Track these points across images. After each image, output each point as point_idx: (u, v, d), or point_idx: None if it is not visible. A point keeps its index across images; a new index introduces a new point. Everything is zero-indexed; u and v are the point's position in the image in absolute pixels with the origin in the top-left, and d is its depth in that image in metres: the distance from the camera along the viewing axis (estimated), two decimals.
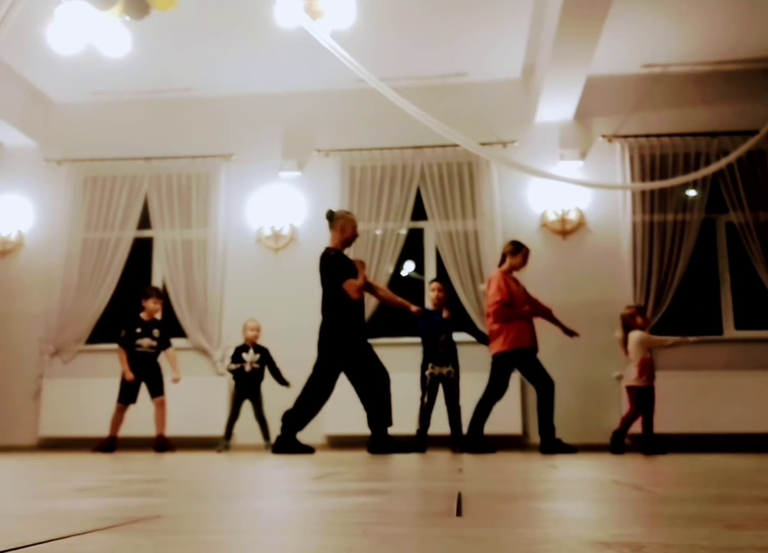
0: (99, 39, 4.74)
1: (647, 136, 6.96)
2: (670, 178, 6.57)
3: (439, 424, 5.70)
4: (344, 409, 5.74)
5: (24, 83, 7.35)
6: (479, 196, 7.00)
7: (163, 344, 6.38)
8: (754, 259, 6.69)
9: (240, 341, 6.43)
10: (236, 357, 6.33)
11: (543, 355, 5.50)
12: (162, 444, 6.15)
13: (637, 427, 5.52)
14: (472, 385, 5.73)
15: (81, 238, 7.37)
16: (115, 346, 6.35)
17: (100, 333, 7.21)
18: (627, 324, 5.69)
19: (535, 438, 5.74)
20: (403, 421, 5.46)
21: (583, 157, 7.06)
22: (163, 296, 6.65)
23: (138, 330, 6.30)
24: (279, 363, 6.34)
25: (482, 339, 5.86)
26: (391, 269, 7.01)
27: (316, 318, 5.15)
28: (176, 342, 6.66)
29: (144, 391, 6.24)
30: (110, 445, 6.10)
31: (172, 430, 6.32)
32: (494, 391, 5.42)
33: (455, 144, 6.34)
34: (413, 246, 7.24)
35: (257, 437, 6.25)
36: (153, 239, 7.43)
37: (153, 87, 7.46)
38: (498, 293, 5.45)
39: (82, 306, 7.18)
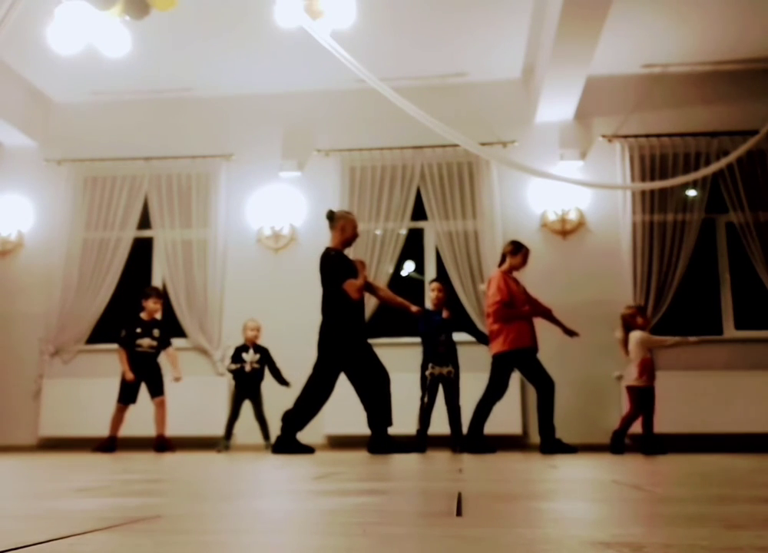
0: (99, 39, 4.74)
1: (647, 136, 6.96)
2: (670, 178, 6.57)
3: (439, 424, 5.70)
4: (344, 409, 5.74)
5: (24, 83, 7.35)
6: (479, 196, 7.00)
7: (164, 344, 6.38)
8: (754, 259, 6.69)
9: (239, 341, 6.43)
10: (236, 357, 6.33)
11: (543, 355, 5.51)
12: (162, 444, 6.16)
13: (637, 427, 5.52)
14: (472, 385, 5.73)
15: (81, 238, 7.37)
16: (115, 346, 6.35)
17: (100, 333, 7.21)
18: (628, 324, 5.69)
19: (535, 438, 5.74)
20: (403, 421, 5.46)
21: (583, 157, 7.06)
22: (163, 296, 6.64)
23: (138, 330, 6.30)
24: (279, 363, 6.34)
25: (482, 339, 5.86)
26: (391, 269, 7.01)
27: (316, 318, 5.15)
28: (176, 342, 6.67)
29: (143, 391, 6.24)
30: (110, 445, 6.10)
31: (172, 430, 6.32)
32: (495, 391, 5.42)
33: (455, 144, 6.34)
34: (413, 246, 7.24)
35: (257, 437, 6.25)
36: (153, 239, 7.43)
37: (153, 87, 7.46)
38: (498, 293, 5.45)
39: (82, 306, 7.18)
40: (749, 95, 6.98)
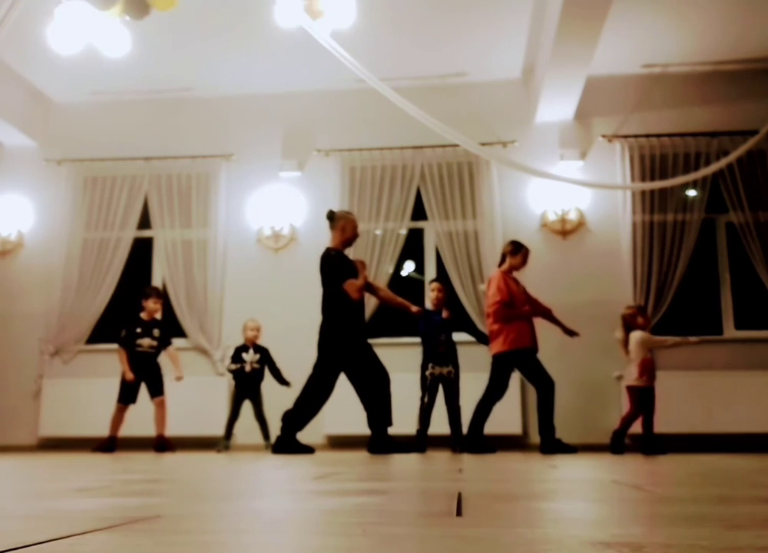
0: (99, 39, 4.74)
1: (647, 136, 6.96)
2: (670, 178, 6.57)
3: (439, 424, 5.70)
4: (344, 409, 5.74)
5: (24, 83, 7.35)
6: (479, 196, 7.00)
7: (164, 343, 6.38)
8: (754, 259, 6.69)
9: (240, 341, 6.43)
10: (236, 357, 6.33)
11: (543, 355, 5.50)
12: (162, 444, 6.16)
13: (637, 427, 5.52)
14: (472, 385, 5.73)
15: (81, 238, 7.37)
16: (115, 346, 6.35)
17: (100, 333, 7.21)
18: (628, 324, 5.69)
19: (535, 438, 5.74)
20: (403, 421, 5.46)
21: (583, 157, 7.06)
22: (163, 295, 6.64)
23: (138, 330, 6.30)
24: (279, 363, 6.34)
25: (482, 339, 5.86)
26: (391, 269, 7.01)
27: (316, 318, 5.15)
28: (176, 342, 6.66)
29: (143, 391, 6.24)
30: (110, 445, 6.10)
31: (172, 430, 6.32)
32: (495, 391, 5.42)
33: (455, 144, 6.34)
34: (413, 246, 7.24)
35: (257, 437, 6.25)
36: (153, 239, 7.43)
37: (153, 87, 7.46)
38: (498, 293, 5.45)
39: (82, 306, 7.19)
40: (749, 95, 6.98)
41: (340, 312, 5.07)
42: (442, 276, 6.71)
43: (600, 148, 7.07)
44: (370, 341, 5.23)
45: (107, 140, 7.54)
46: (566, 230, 6.92)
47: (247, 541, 0.92)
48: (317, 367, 5.08)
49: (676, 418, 6.18)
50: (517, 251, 5.61)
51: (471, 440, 5.37)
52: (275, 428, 5.53)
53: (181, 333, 7.03)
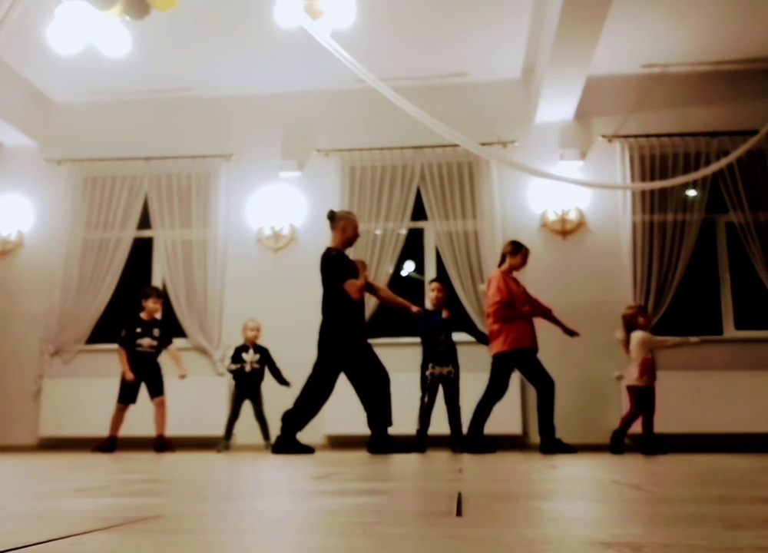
0: (99, 39, 4.74)
1: (647, 136, 6.96)
2: (670, 178, 6.57)
3: (439, 424, 5.70)
4: (344, 409, 5.74)
5: (24, 83, 7.35)
6: (479, 196, 7.00)
7: (165, 343, 6.38)
8: (754, 259, 6.69)
9: (240, 341, 6.43)
10: (236, 357, 6.33)
11: (543, 355, 5.50)
12: (162, 444, 6.16)
13: (637, 427, 5.52)
14: (472, 385, 5.73)
15: (81, 238, 7.37)
16: (115, 346, 6.35)
17: (100, 333, 7.21)
18: (629, 324, 5.69)
19: (535, 438, 5.74)
20: (403, 421, 5.46)
21: (583, 157, 7.06)
22: (163, 295, 6.64)
23: (138, 330, 6.30)
24: (279, 363, 6.34)
25: (482, 339, 5.86)
26: (391, 269, 7.01)
27: (316, 318, 5.15)
28: (176, 342, 6.66)
29: (143, 391, 6.24)
30: (110, 445, 6.10)
31: (172, 430, 6.32)
32: (495, 391, 5.42)
33: (455, 144, 6.34)
34: (413, 246, 7.24)
35: (257, 437, 6.25)
36: (153, 239, 7.43)
37: (153, 87, 7.46)
38: (498, 293, 5.45)
39: (82, 306, 7.19)
40: (749, 95, 6.98)
41: (340, 312, 5.07)
42: (442, 276, 6.71)
43: (600, 148, 7.07)
44: (370, 341, 5.23)
45: (107, 140, 7.54)
46: (566, 230, 6.92)
47: (247, 541, 0.92)
48: (317, 367, 5.08)
49: (676, 418, 6.18)
50: (517, 251, 5.61)
51: (471, 440, 5.37)
52: (275, 428, 5.53)
53: (181, 333, 7.03)
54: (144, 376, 6.23)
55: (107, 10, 4.44)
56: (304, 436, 5.14)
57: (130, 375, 6.13)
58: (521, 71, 7.20)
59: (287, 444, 5.00)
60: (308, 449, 5.03)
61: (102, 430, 6.20)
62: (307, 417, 5.04)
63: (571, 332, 5.69)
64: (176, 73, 7.21)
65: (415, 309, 5.32)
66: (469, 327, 6.19)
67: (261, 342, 6.41)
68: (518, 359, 5.44)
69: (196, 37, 6.56)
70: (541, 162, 6.82)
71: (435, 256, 7.14)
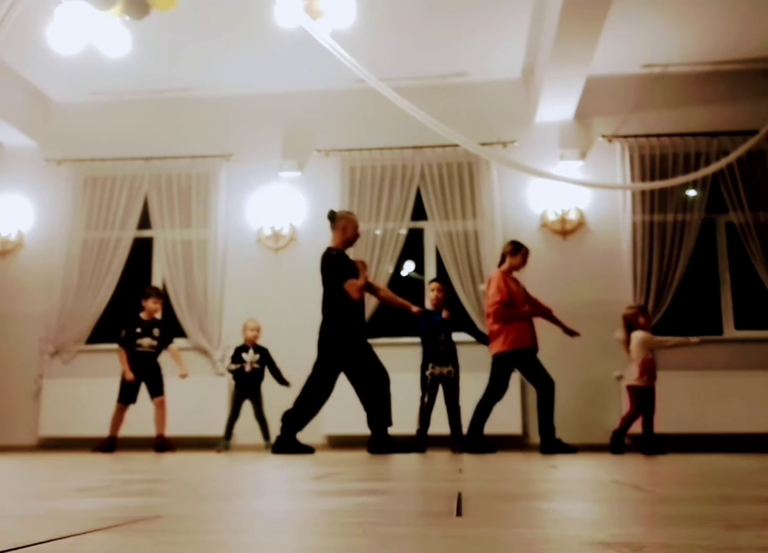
0: (99, 39, 4.74)
1: (647, 136, 6.96)
2: (670, 178, 6.57)
3: (439, 424, 5.70)
4: (344, 409, 5.74)
5: (24, 83, 7.35)
6: (479, 196, 7.00)
7: (165, 342, 6.38)
8: (754, 259, 6.69)
9: (239, 341, 6.43)
10: (236, 357, 6.33)
11: (543, 355, 5.50)
12: (162, 444, 6.16)
13: (637, 427, 5.52)
14: (472, 385, 5.73)
15: (81, 238, 7.37)
16: (115, 346, 6.35)
17: (100, 333, 7.21)
18: (630, 324, 5.69)
19: (535, 438, 5.74)
20: (403, 421, 5.46)
21: (583, 157, 7.06)
22: (162, 295, 6.64)
23: (138, 330, 6.30)
24: (279, 363, 6.34)
25: (482, 339, 5.86)
26: (391, 269, 7.01)
27: (316, 318, 5.15)
28: (176, 342, 6.66)
29: (143, 391, 6.24)
30: (110, 445, 6.10)
31: (172, 430, 6.32)
32: (495, 391, 5.42)
33: (455, 144, 6.34)
34: (413, 246, 7.24)
35: (257, 437, 6.25)
36: (153, 239, 7.43)
37: (153, 87, 7.46)
38: (498, 293, 5.45)
39: (82, 306, 7.19)
40: (749, 95, 6.98)
41: (340, 312, 5.07)
42: (442, 276, 6.71)
43: (600, 148, 7.07)
44: (370, 341, 5.23)
45: (107, 140, 7.54)
46: (566, 230, 6.92)
47: (247, 541, 0.92)
48: (317, 367, 5.08)
49: (677, 418, 6.18)
50: (517, 251, 5.61)
51: (471, 440, 5.37)
52: (275, 428, 5.53)
53: (181, 333, 7.03)
54: (144, 376, 6.23)
55: (107, 10, 4.44)
56: (304, 436, 5.14)
57: (130, 375, 6.13)
58: (521, 71, 7.20)
59: (287, 444, 5.00)
60: (308, 449, 5.03)
61: (102, 430, 6.20)
62: (307, 417, 5.04)
63: (571, 332, 5.69)
64: (176, 73, 7.20)
65: (415, 309, 5.32)
66: (469, 327, 6.19)
67: (261, 342, 6.41)
68: (518, 359, 5.44)
69: (196, 37, 6.56)
70: (541, 162, 6.81)
71: (435, 256, 7.14)
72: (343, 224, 5.23)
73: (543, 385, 5.37)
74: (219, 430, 6.33)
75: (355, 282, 5.06)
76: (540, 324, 5.61)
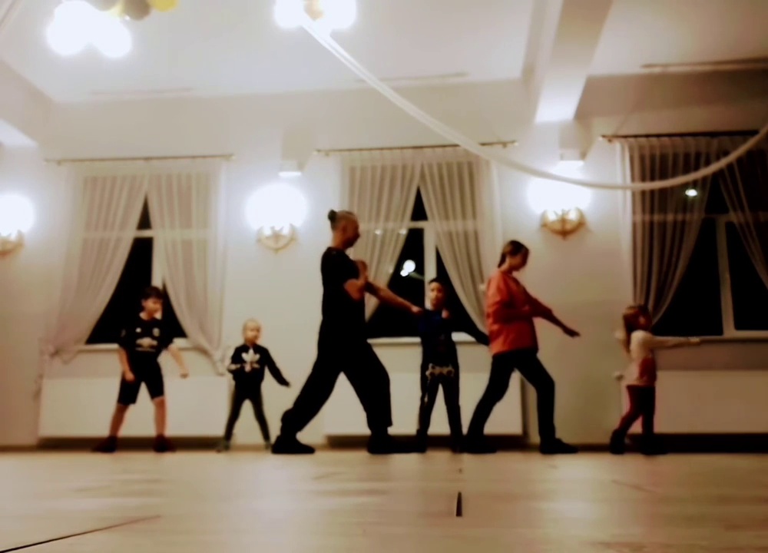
0: (99, 39, 4.74)
1: (647, 136, 6.96)
2: (670, 178, 6.57)
3: (439, 424, 5.70)
4: (344, 409, 5.74)
5: (24, 83, 7.35)
6: (479, 196, 7.00)
7: (165, 342, 6.38)
8: (754, 259, 6.69)
9: (239, 341, 6.43)
10: (236, 357, 6.33)
11: (543, 355, 5.50)
12: (162, 444, 6.16)
13: (637, 427, 5.52)
14: (472, 385, 5.73)
15: (81, 238, 7.37)
16: (115, 346, 6.35)
17: (100, 333, 7.21)
18: (630, 324, 5.69)
19: (535, 438, 5.74)
20: (403, 421, 5.46)
21: (583, 157, 7.06)
22: (162, 295, 6.64)
23: (138, 330, 6.30)
24: (279, 363, 6.34)
25: (482, 339, 5.86)
26: (391, 269, 7.01)
27: (316, 318, 5.15)
28: (176, 342, 6.66)
29: (143, 391, 6.24)
30: (110, 445, 6.10)
31: (172, 430, 6.32)
32: (495, 391, 5.42)
33: (455, 144, 6.34)
34: (413, 246, 7.25)
35: (257, 437, 6.25)
36: (153, 239, 7.43)
37: (153, 87, 7.46)
38: (498, 293, 5.45)
39: (82, 306, 7.19)
40: (749, 95, 6.98)
41: (340, 312, 5.07)
42: (442, 276, 6.71)
43: (600, 148, 7.07)
44: (370, 341, 5.23)
45: (107, 140, 7.54)
46: (566, 230, 6.92)
47: (247, 541, 0.92)
48: (317, 367, 5.08)
49: (677, 418, 6.18)
50: (516, 251, 5.61)
51: (471, 440, 5.37)
52: (275, 428, 5.53)
53: (181, 333, 7.03)
54: (144, 376, 6.23)
55: (107, 10, 4.44)
56: (304, 436, 5.14)
57: (130, 375, 6.13)
58: (521, 71, 7.20)
59: (287, 444, 5.00)
60: (308, 449, 5.03)
61: (102, 430, 6.20)
62: (307, 417, 5.04)
63: (571, 332, 5.69)
64: (176, 73, 7.20)
65: (415, 309, 5.32)
66: (469, 327, 6.19)
67: (261, 342, 6.41)
68: (518, 359, 5.44)
69: (196, 37, 6.56)
70: (541, 162, 6.81)
71: (435, 256, 7.14)
72: (343, 224, 5.23)
73: (543, 385, 5.37)
74: (219, 430, 6.33)
75: (356, 282, 5.06)
76: (540, 324, 5.61)
